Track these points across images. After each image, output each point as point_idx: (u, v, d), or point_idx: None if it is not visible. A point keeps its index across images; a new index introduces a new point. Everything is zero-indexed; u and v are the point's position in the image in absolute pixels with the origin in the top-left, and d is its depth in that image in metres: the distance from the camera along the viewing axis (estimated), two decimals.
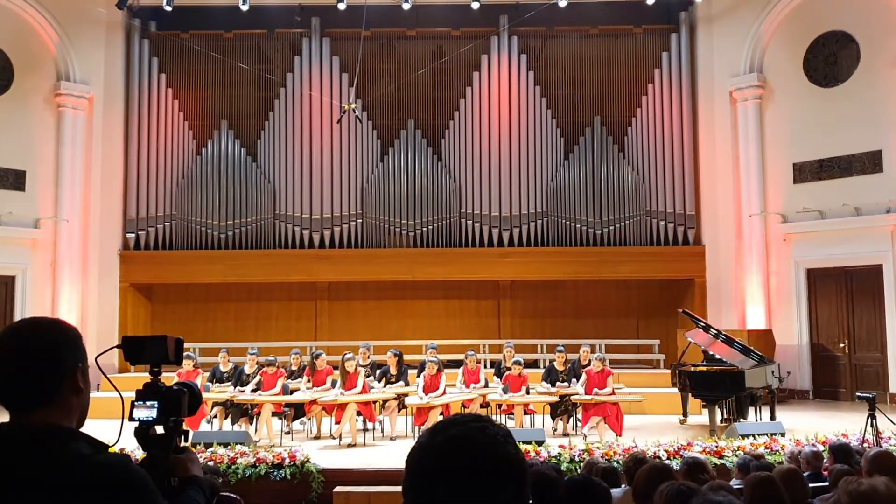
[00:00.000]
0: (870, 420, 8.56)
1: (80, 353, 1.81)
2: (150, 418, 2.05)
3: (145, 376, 2.18)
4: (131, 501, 1.66)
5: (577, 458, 8.25)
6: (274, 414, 10.60)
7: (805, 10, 14.76)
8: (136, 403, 2.07)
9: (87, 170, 15.39)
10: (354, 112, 14.38)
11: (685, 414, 11.61)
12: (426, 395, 10.47)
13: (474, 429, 1.36)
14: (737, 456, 7.94)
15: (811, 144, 14.54)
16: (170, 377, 2.84)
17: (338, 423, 10.32)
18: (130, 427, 2.06)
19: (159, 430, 2.10)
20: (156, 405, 2.06)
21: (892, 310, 13.52)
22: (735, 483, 5.10)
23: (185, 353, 10.80)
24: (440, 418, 9.28)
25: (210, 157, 16.06)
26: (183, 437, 2.14)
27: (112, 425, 2.05)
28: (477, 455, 1.33)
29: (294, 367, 11.72)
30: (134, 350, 2.15)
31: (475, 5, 14.63)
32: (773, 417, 10.98)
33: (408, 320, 16.10)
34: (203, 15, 15.87)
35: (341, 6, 14.66)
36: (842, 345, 14.24)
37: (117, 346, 2.21)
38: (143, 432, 2.06)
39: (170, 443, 2.06)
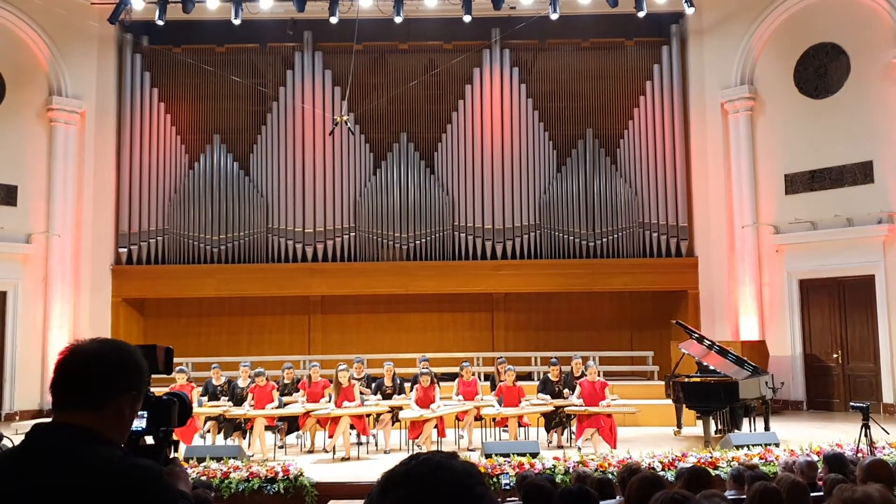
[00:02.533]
0: (864, 430, 8.57)
1: (140, 384, 1.90)
2: (140, 428, 2.03)
3: None
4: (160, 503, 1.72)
5: (571, 470, 8.22)
6: (267, 428, 10.54)
7: (795, 23, 14.86)
8: None
9: (80, 184, 15.35)
10: (346, 124, 14.39)
11: (679, 425, 11.60)
12: (420, 408, 10.44)
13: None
14: (731, 467, 7.92)
15: (802, 156, 14.60)
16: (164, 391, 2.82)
17: (331, 436, 10.29)
18: None
19: (149, 440, 2.08)
20: (145, 415, 2.04)
21: (884, 320, 13.53)
22: (729, 494, 5.09)
23: (178, 368, 10.76)
24: (434, 431, 9.18)
25: (202, 171, 16.04)
26: (173, 448, 2.12)
27: None
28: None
29: (286, 381, 11.67)
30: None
31: (467, 18, 14.65)
32: (767, 428, 10.98)
33: (401, 334, 16.06)
34: (195, 29, 15.87)
35: (333, 20, 14.69)
36: (835, 355, 14.26)
37: None
38: (133, 443, 2.04)
39: (159, 453, 2.03)
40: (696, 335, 11.95)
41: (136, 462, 1.74)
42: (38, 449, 1.72)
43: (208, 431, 10.82)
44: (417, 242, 15.81)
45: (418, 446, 10.19)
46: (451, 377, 12.28)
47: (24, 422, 13.28)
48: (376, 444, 10.91)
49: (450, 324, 16.40)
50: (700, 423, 10.99)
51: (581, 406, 10.52)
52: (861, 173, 13.95)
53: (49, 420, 1.80)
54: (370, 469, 9.32)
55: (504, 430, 10.88)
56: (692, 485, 4.59)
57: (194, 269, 15.65)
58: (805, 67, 14.80)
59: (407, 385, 11.32)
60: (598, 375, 11.07)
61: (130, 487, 1.67)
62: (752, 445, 9.47)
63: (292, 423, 10.92)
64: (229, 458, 9.05)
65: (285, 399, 11.02)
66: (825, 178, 14.37)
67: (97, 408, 1.78)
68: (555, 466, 8.54)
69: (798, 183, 14.72)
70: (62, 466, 1.67)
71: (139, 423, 2.03)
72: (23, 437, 1.80)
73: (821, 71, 14.62)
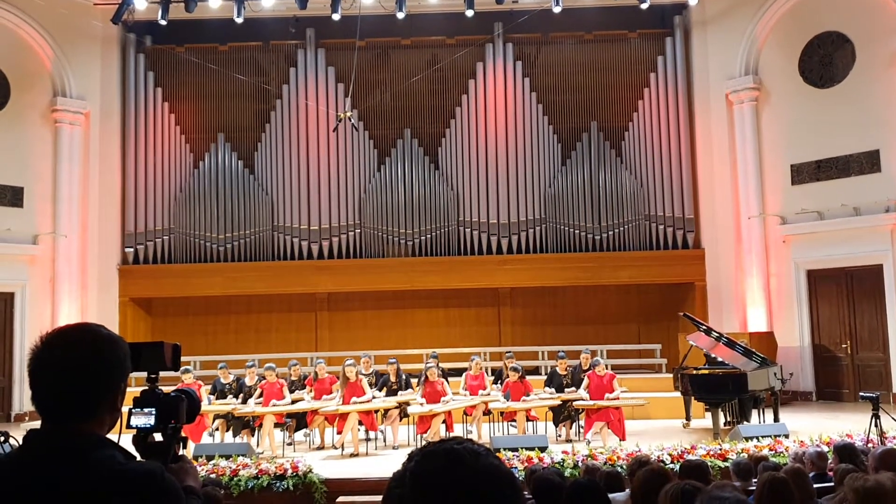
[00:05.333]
0: (874, 420, 8.53)
1: (127, 373, 1.83)
2: (148, 425, 2.02)
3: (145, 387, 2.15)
4: None
5: (580, 464, 8.22)
6: (276, 425, 10.56)
7: (799, 12, 14.78)
8: (133, 410, 2.04)
9: (85, 185, 15.37)
10: (350, 120, 14.38)
11: (688, 418, 11.57)
12: (428, 403, 10.44)
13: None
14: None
15: (808, 145, 14.53)
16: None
17: (340, 433, 10.29)
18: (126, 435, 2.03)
19: (158, 437, 2.07)
20: (153, 412, 2.03)
21: (893, 309, 13.47)
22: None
23: (184, 367, 10.76)
24: (442, 426, 9.16)
25: (207, 170, 16.06)
26: (182, 445, 2.12)
27: (110, 434, 2.02)
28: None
29: (294, 378, 11.68)
30: (130, 357, 2.13)
31: (469, 13, 14.63)
32: (776, 419, 10.95)
33: (408, 330, 16.06)
34: (198, 28, 15.87)
35: (336, 17, 14.67)
36: (844, 345, 14.20)
37: None
38: (142, 440, 2.03)
39: (168, 450, 2.03)
40: (704, 327, 11.92)
41: (137, 464, 1.72)
42: (37, 454, 1.68)
43: (217, 429, 10.84)
44: (423, 238, 15.80)
45: (426, 441, 10.19)
46: (457, 372, 12.27)
47: (34, 422, 13.31)
48: (384, 440, 10.92)
49: (456, 319, 16.39)
50: (709, 415, 10.97)
51: (588, 400, 10.50)
52: (868, 162, 13.88)
53: (42, 427, 1.75)
54: (379, 465, 9.33)
55: (512, 425, 10.87)
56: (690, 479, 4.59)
57: (201, 268, 15.67)
58: (810, 57, 14.73)
59: (414, 380, 11.32)
60: (607, 369, 11.04)
61: (133, 490, 1.65)
62: (762, 437, 9.45)
63: (301, 420, 10.94)
64: (238, 456, 9.07)
65: (293, 396, 11.03)
66: (831, 167, 14.30)
67: (93, 416, 1.75)
68: (563, 460, 8.53)
69: (804, 173, 14.65)
70: (63, 472, 1.64)
71: (148, 420, 2.03)
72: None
73: (826, 60, 14.55)
